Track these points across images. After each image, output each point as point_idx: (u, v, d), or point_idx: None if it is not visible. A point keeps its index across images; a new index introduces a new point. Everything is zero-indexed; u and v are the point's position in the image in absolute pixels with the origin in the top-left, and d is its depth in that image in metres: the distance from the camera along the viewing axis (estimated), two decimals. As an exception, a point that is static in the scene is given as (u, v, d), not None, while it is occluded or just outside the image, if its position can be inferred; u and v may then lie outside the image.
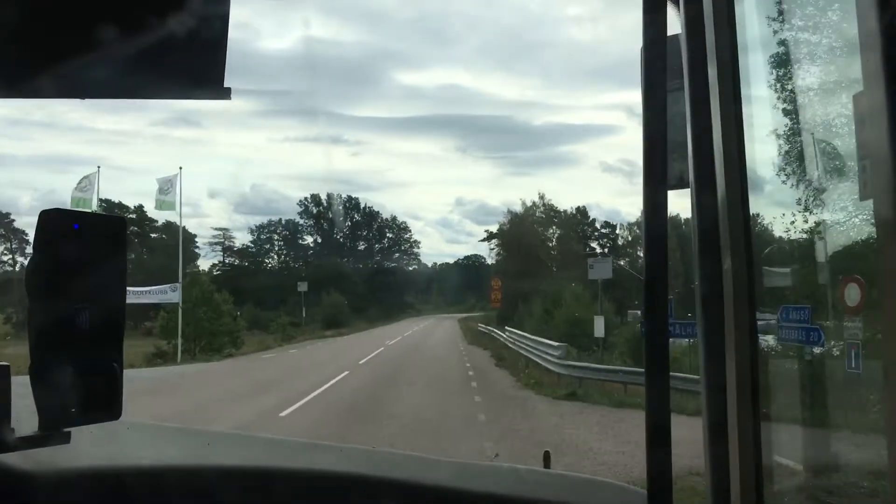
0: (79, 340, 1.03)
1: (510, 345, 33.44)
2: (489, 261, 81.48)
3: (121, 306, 1.11)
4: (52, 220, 1.06)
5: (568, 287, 41.60)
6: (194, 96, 1.31)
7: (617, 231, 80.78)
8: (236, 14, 1.11)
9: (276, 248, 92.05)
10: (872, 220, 0.86)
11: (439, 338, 50.50)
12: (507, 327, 37.96)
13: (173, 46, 1.13)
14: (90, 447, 1.36)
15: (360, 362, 28.88)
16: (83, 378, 1.04)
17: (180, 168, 41.83)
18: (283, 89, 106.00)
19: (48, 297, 1.03)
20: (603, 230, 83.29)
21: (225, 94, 1.19)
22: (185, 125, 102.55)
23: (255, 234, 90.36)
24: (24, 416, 1.07)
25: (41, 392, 1.02)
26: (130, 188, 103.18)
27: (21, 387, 1.11)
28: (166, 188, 37.26)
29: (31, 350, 1.02)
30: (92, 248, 1.07)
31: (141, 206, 68.91)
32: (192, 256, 79.29)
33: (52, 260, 1.03)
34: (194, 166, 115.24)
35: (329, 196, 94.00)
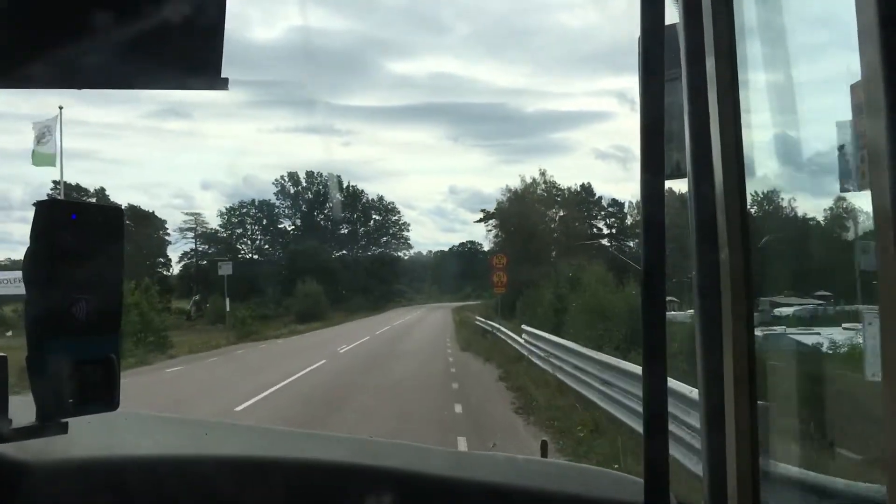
0: (76, 331, 1.12)
1: (536, 360, 20.92)
2: (486, 246, 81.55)
3: (118, 297, 1.21)
4: (49, 210, 1.16)
5: (586, 267, 34.86)
6: (191, 86, 1.40)
7: (625, 210, 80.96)
8: (227, 4, 1.21)
9: (250, 233, 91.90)
10: (870, 210, 0.96)
11: (422, 338, 39.69)
12: (523, 326, 25.90)
13: (169, 36, 1.22)
14: (87, 438, 1.46)
15: (239, 409, 15.50)
16: (80, 369, 1.13)
17: (60, 108, 32.21)
18: (273, 79, 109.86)
19: (45, 288, 1.12)
20: (610, 209, 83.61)
21: (222, 84, 1.29)
22: (176, 117, 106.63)
23: (226, 217, 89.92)
24: (21, 406, 1.17)
25: (38, 383, 1.11)
26: (123, 181, 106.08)
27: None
28: (44, 136, 29.41)
29: (28, 340, 1.11)
30: (89, 238, 1.15)
31: (102, 189, 69.42)
32: (160, 243, 79.22)
33: (50, 250, 1.12)
34: (186, 158, 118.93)
35: (309, 175, 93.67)
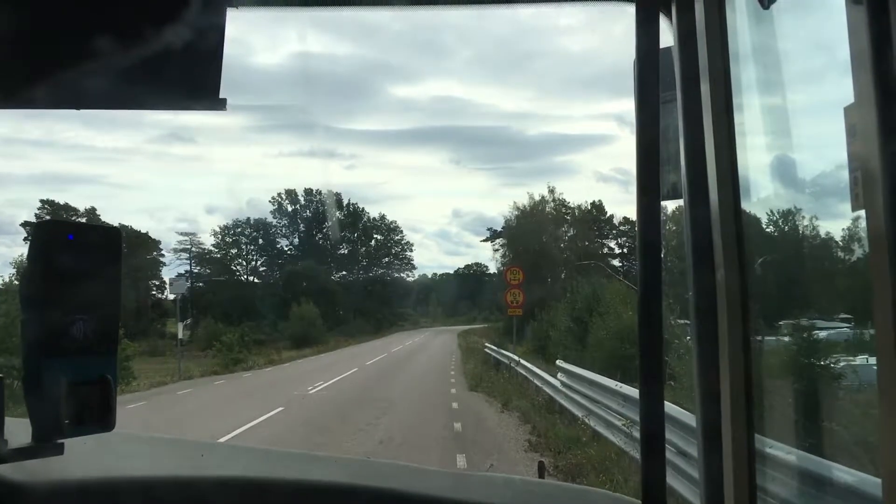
0: (73, 351, 1.18)
1: (599, 425, 13.19)
2: (492, 268, 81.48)
3: (116, 317, 1.26)
4: (47, 230, 1.23)
5: (606, 285, 30.42)
6: (190, 107, 1.47)
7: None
8: (229, 29, 1.29)
9: (245, 253, 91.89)
10: (863, 230, 1.02)
11: (420, 370, 34.04)
12: (559, 362, 19.48)
13: (168, 57, 1.29)
14: (84, 458, 1.52)
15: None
16: (77, 389, 1.18)
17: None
18: (277, 104, 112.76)
19: (43, 308, 1.18)
20: (622, 227, 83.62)
21: (220, 104, 1.36)
22: (182, 142, 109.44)
23: (220, 236, 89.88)
24: (18, 427, 1.23)
25: (35, 403, 1.16)
26: (128, 205, 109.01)
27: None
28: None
29: (24, 361, 1.17)
30: (87, 258, 1.22)
31: (94, 209, 70.10)
32: (154, 265, 79.16)
33: (47, 270, 1.18)
34: (191, 183, 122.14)
35: (308, 193, 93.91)
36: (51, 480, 1.45)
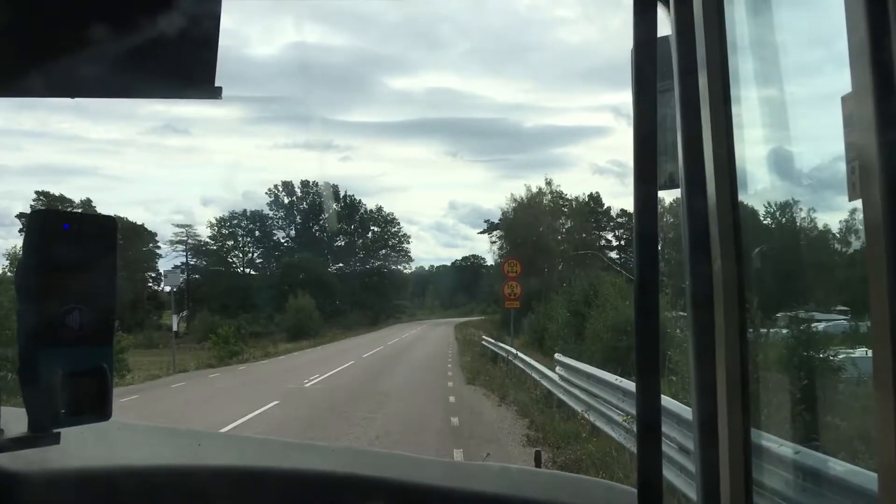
0: (69, 341, 1.18)
1: (601, 422, 12.93)
2: (489, 260, 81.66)
3: (111, 307, 1.27)
4: (42, 220, 1.23)
5: (603, 278, 31.00)
6: (185, 96, 1.48)
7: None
8: (224, 20, 1.29)
9: (241, 245, 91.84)
10: (860, 221, 1.03)
11: (417, 362, 33.56)
12: (558, 355, 19.59)
13: (164, 45, 1.29)
14: (80, 448, 1.53)
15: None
16: (73, 379, 1.18)
17: None
18: (272, 96, 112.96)
19: (38, 298, 1.18)
20: (619, 219, 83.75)
21: (216, 93, 1.36)
22: (177, 133, 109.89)
23: (216, 228, 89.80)
24: (14, 416, 1.23)
25: (31, 393, 1.17)
26: (124, 197, 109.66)
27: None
28: None
29: (20, 350, 1.17)
30: (82, 248, 1.22)
31: (89, 200, 70.14)
32: (150, 257, 79.10)
33: (43, 260, 1.18)
34: (186, 174, 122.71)
35: (304, 184, 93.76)
36: (47, 470, 1.46)
